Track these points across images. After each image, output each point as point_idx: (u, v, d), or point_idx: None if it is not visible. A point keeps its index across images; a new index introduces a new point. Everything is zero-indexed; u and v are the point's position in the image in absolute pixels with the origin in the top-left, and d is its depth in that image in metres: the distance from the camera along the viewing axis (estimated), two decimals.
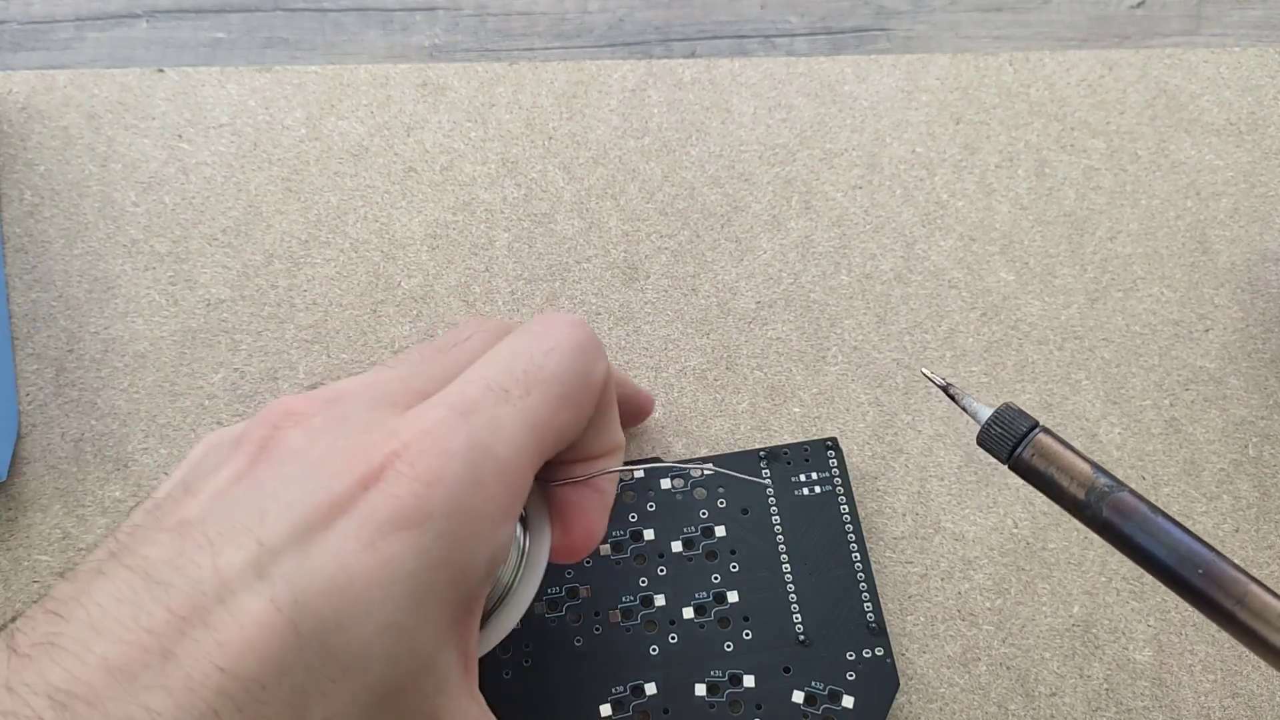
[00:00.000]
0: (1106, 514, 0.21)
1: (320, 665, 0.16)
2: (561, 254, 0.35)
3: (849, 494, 0.30)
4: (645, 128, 0.37)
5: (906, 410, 0.33)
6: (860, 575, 0.29)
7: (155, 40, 0.39)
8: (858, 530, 0.30)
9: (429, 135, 0.36)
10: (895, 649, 0.29)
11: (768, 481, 0.30)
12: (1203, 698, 0.29)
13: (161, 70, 0.37)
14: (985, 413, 0.23)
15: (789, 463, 0.31)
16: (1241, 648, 0.30)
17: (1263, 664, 0.29)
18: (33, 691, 0.15)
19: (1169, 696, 0.29)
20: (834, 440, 0.31)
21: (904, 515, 0.32)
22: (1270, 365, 0.34)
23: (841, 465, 0.31)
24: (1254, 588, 0.20)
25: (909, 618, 0.30)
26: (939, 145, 0.37)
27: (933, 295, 0.34)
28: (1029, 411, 0.33)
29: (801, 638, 0.28)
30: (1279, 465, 0.32)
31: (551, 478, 0.23)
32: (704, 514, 0.30)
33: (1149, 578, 0.30)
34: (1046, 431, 0.22)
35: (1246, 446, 0.32)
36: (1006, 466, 0.23)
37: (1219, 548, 0.31)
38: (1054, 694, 0.29)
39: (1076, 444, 0.32)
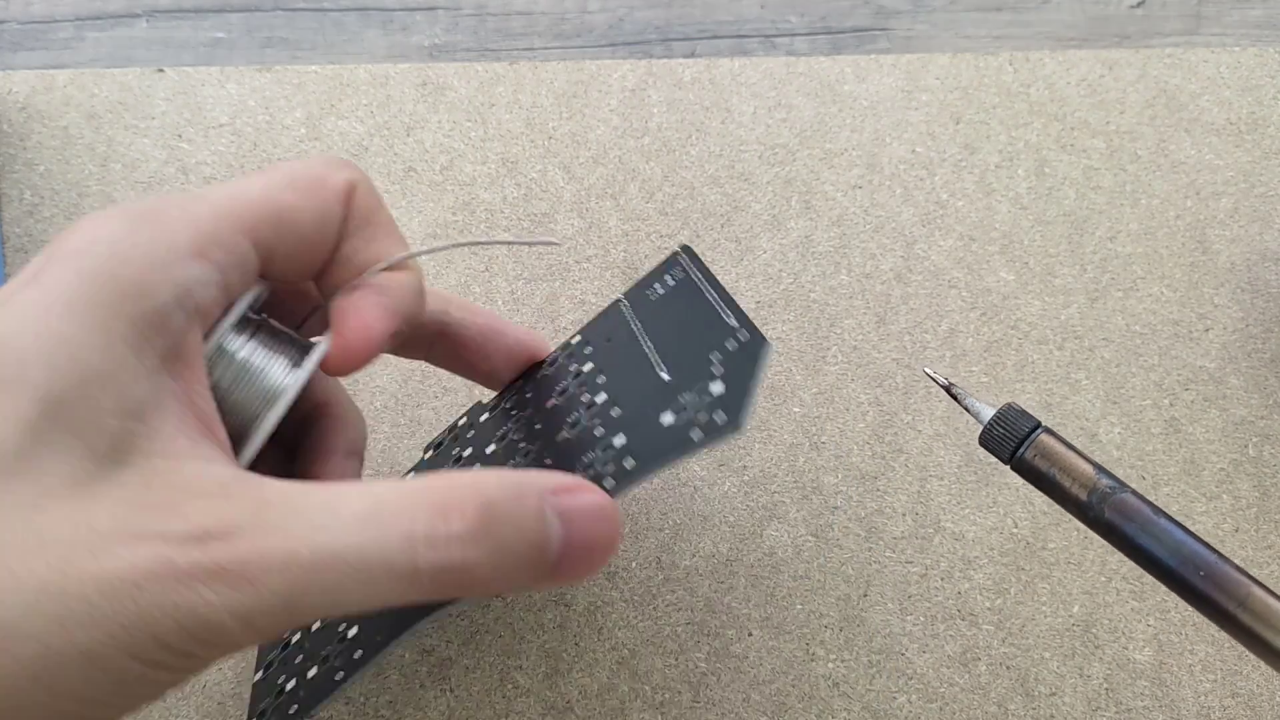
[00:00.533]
0: (1108, 515, 0.21)
1: None
2: (561, 253, 0.35)
3: (709, 279, 0.26)
4: (645, 127, 0.37)
5: (906, 410, 0.33)
6: (725, 314, 0.24)
7: (155, 40, 0.39)
8: (721, 293, 0.25)
9: (429, 135, 0.36)
10: (895, 649, 0.29)
11: (555, 240, 0.28)
12: (1202, 697, 0.29)
13: (161, 70, 0.37)
14: (988, 413, 0.23)
15: (644, 287, 0.28)
16: (1241, 648, 0.30)
17: (1262, 664, 0.29)
18: None
19: (1169, 696, 0.29)
20: (686, 247, 0.27)
21: (904, 515, 0.32)
22: (1270, 365, 0.34)
23: (698, 264, 0.27)
24: (1256, 590, 0.20)
25: (909, 618, 0.30)
26: (939, 145, 0.37)
27: (932, 295, 0.34)
28: (1031, 411, 0.33)
29: (666, 378, 0.24)
30: (1279, 465, 0.32)
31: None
32: (574, 368, 0.28)
33: (1149, 577, 0.30)
34: (1049, 432, 0.22)
35: (1246, 446, 0.32)
36: (1009, 466, 0.23)
37: (1219, 548, 0.31)
38: (1054, 694, 0.29)
39: (1077, 444, 0.32)
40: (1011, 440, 0.22)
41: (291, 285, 0.24)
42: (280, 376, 0.22)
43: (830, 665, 0.29)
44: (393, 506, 0.18)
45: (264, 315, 0.23)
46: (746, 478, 0.32)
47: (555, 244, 0.30)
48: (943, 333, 0.34)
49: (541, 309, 0.34)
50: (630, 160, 0.36)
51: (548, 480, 0.20)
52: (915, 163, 0.37)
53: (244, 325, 0.22)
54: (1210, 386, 0.33)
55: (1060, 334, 0.34)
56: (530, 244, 0.30)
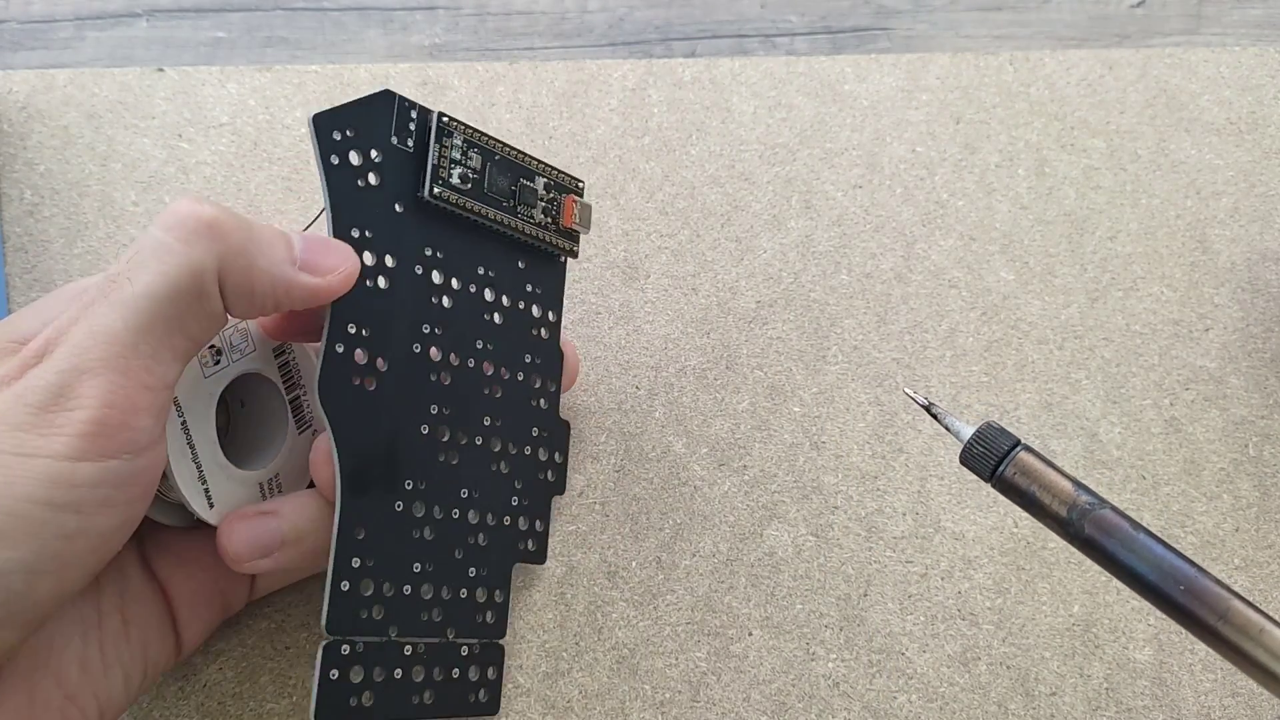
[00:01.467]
0: (1088, 531, 0.21)
1: None
2: None
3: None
4: (645, 127, 0.37)
5: (906, 410, 0.33)
6: None
7: (155, 39, 0.39)
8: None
9: None
10: (895, 648, 0.29)
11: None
12: (1203, 697, 0.29)
13: (161, 69, 0.37)
14: (967, 431, 0.23)
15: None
16: None
17: None
18: None
19: (1169, 696, 0.29)
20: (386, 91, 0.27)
21: (904, 515, 0.32)
22: (1270, 365, 0.34)
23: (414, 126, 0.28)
24: (1236, 603, 0.20)
25: (909, 617, 0.30)
26: (939, 145, 0.37)
27: (933, 295, 0.34)
28: (1031, 411, 0.33)
29: None
30: (1279, 465, 0.32)
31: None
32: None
33: None
34: (1028, 449, 0.22)
35: (1247, 446, 0.32)
36: (990, 485, 0.23)
37: (1219, 547, 0.31)
38: (1054, 693, 0.29)
39: (1076, 444, 0.32)
40: (991, 458, 0.22)
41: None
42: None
43: (830, 665, 0.29)
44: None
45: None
46: (746, 478, 0.32)
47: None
48: (943, 332, 0.34)
49: None
50: (630, 160, 0.36)
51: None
52: (915, 162, 0.37)
53: None
54: (1210, 386, 0.33)
55: (1060, 334, 0.34)
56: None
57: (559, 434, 0.31)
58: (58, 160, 0.35)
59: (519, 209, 0.29)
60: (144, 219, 0.34)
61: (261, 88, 0.37)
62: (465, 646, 0.27)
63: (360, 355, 0.26)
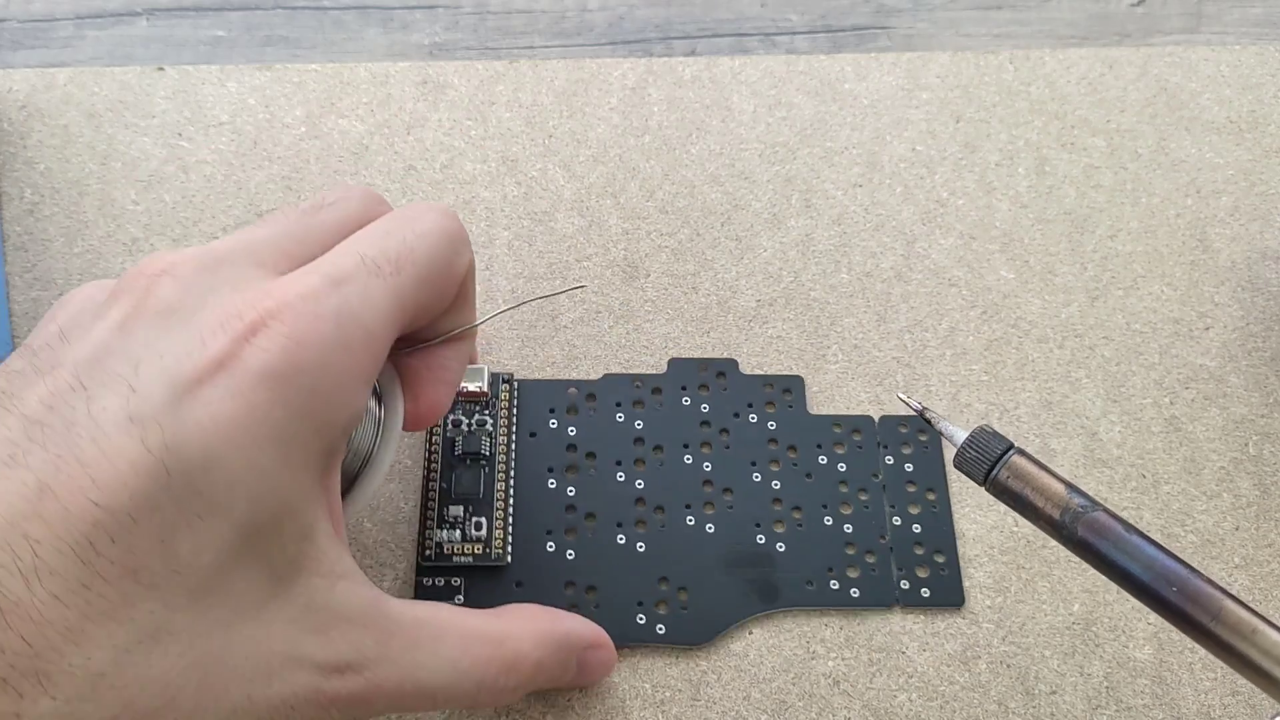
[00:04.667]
0: (1081, 533, 0.22)
1: (188, 502, 0.18)
2: (562, 252, 0.35)
3: None
4: (645, 126, 0.37)
5: (905, 409, 0.33)
6: None
7: (155, 38, 0.39)
8: None
9: (429, 133, 0.36)
10: (895, 647, 0.29)
11: (582, 284, 0.33)
12: (1203, 696, 0.29)
13: (161, 68, 0.37)
14: (961, 435, 0.23)
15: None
16: None
17: None
18: None
19: (1169, 695, 0.29)
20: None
21: None
22: (1270, 363, 0.34)
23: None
24: (1229, 603, 0.20)
25: (909, 616, 0.30)
26: (939, 143, 0.37)
27: (933, 294, 0.34)
28: (1031, 409, 0.33)
29: None
30: (1279, 463, 0.32)
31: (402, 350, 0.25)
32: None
33: None
34: (1021, 453, 0.22)
35: (1247, 445, 0.33)
36: (984, 489, 0.23)
37: (1219, 546, 0.31)
38: (1054, 692, 0.29)
39: (1077, 442, 0.32)
40: (985, 462, 0.23)
41: None
42: (370, 440, 0.25)
43: (830, 663, 0.29)
44: (473, 657, 0.23)
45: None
46: None
47: (582, 287, 0.33)
48: (943, 331, 0.34)
49: (541, 307, 0.34)
50: (630, 158, 0.36)
51: (582, 638, 0.26)
52: (915, 161, 0.37)
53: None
54: (1211, 385, 0.33)
55: (1060, 332, 0.34)
56: (560, 293, 0.33)
57: None
58: (58, 159, 0.35)
59: None
60: (144, 218, 0.35)
61: (261, 86, 0.37)
62: None
63: None
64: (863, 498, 0.31)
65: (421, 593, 0.29)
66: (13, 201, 0.35)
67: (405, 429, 0.25)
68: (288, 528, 0.20)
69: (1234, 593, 0.21)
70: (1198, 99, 0.38)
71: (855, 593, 0.30)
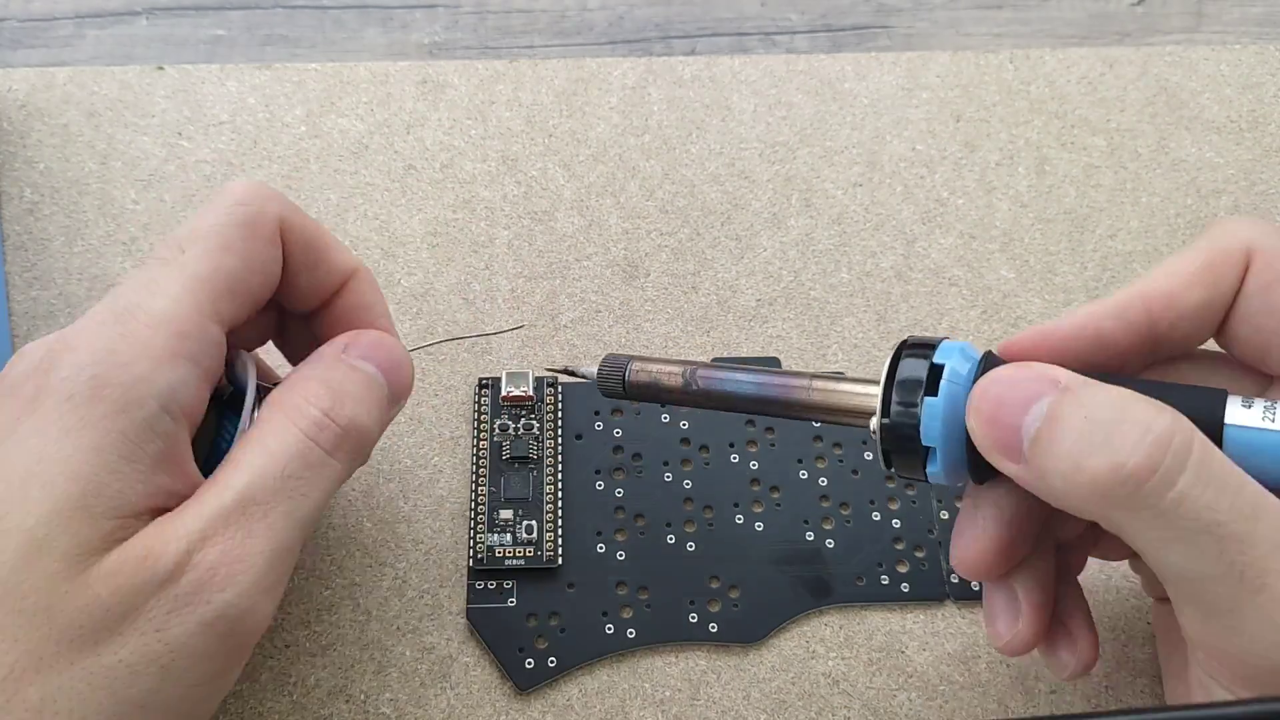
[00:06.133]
0: (701, 385, 0.26)
1: None
2: (562, 251, 0.35)
3: None
4: (645, 125, 0.37)
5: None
6: None
7: (155, 37, 0.39)
8: None
9: (429, 133, 0.36)
10: (895, 646, 0.29)
11: (520, 325, 0.33)
12: None
13: (161, 68, 0.37)
14: (594, 370, 0.28)
15: None
16: None
17: None
18: None
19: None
20: None
21: None
22: None
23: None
24: (817, 380, 0.25)
25: (909, 615, 0.30)
26: (939, 143, 0.37)
27: (933, 293, 0.34)
28: None
29: None
30: None
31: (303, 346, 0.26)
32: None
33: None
34: (639, 358, 0.27)
35: None
36: (626, 398, 0.27)
37: None
38: (1054, 691, 0.29)
39: None
40: (618, 376, 0.27)
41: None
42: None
43: (830, 663, 0.29)
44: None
45: (263, 384, 0.25)
46: None
47: (520, 328, 0.33)
48: (943, 330, 0.34)
49: (541, 307, 0.34)
50: (630, 158, 0.36)
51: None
52: (915, 160, 0.37)
53: (258, 396, 0.25)
54: None
55: None
56: (503, 333, 0.33)
57: None
58: (58, 158, 0.35)
59: None
60: (144, 217, 0.34)
61: (261, 86, 0.37)
62: None
63: None
64: (909, 493, 0.31)
65: (474, 596, 0.29)
66: (13, 201, 0.35)
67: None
68: (97, 506, 0.21)
69: None
70: (1198, 98, 0.38)
71: (905, 587, 0.30)
